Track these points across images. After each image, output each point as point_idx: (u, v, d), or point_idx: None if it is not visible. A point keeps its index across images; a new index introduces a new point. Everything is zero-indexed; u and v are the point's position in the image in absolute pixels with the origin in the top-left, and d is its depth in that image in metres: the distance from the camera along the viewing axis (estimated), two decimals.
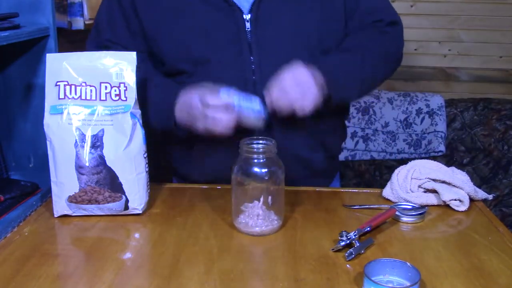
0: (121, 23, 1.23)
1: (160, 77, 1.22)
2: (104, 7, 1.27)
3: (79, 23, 1.74)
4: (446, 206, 1.17)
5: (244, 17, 1.17)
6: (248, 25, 1.17)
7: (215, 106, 1.08)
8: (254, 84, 1.18)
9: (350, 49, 1.20)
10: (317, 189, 1.27)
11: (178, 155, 1.32)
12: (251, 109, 1.10)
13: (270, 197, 1.03)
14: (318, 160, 1.29)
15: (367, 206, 1.17)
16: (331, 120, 1.28)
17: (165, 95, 1.17)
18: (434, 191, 1.18)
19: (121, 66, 1.08)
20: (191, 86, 1.14)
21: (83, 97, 1.07)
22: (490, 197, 1.21)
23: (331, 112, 1.23)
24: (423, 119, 2.56)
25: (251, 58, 1.18)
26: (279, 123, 1.18)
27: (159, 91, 1.19)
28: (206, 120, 1.09)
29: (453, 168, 1.22)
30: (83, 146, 1.06)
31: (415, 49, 2.76)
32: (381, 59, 1.23)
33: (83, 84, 1.07)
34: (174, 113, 1.15)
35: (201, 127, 1.11)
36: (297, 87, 1.10)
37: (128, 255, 0.98)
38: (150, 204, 1.16)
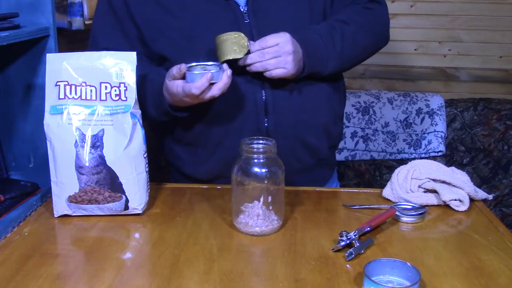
0: (117, 30, 1.24)
1: (154, 69, 1.24)
2: (98, 15, 1.28)
3: (79, 23, 1.74)
4: (446, 206, 1.17)
5: (242, 10, 1.19)
6: (246, 17, 1.19)
7: (200, 91, 1.08)
8: (260, 77, 1.20)
9: (332, 24, 1.23)
10: (317, 189, 1.27)
11: (183, 153, 1.32)
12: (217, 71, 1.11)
13: (270, 197, 1.03)
14: (323, 147, 1.32)
15: (367, 206, 1.17)
16: (331, 107, 1.31)
17: (156, 84, 1.19)
18: (434, 191, 1.18)
19: (121, 66, 1.08)
20: (166, 77, 1.15)
21: (83, 97, 1.07)
22: (490, 197, 1.21)
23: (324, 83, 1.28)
24: (423, 119, 2.55)
25: None
26: (286, 111, 1.22)
27: (152, 82, 1.20)
28: (202, 100, 1.11)
29: (453, 168, 1.22)
30: (83, 146, 1.06)
31: (415, 49, 2.76)
32: (363, 31, 1.26)
33: (83, 84, 1.07)
34: (165, 98, 1.17)
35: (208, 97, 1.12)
36: (275, 53, 1.13)
37: (128, 255, 0.98)
38: (150, 204, 1.16)
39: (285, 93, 1.22)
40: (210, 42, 1.18)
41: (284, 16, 1.21)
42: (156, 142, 1.38)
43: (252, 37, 1.18)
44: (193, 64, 1.11)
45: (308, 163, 1.31)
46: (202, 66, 1.11)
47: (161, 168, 2.13)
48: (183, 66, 1.09)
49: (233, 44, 1.11)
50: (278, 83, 1.21)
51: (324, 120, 1.29)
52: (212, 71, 1.08)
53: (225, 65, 1.11)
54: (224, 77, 1.09)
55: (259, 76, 1.20)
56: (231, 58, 1.12)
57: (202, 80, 1.07)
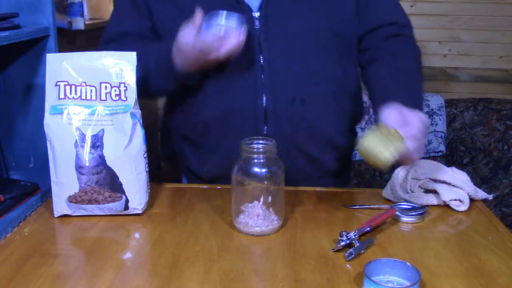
0: (132, 15, 1.24)
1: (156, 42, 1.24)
2: (118, 2, 1.31)
3: (79, 23, 1.74)
4: (446, 206, 1.17)
5: (253, 15, 1.18)
6: (257, 23, 1.17)
7: (214, 41, 1.06)
8: (262, 83, 1.19)
9: (408, 77, 1.22)
10: (317, 189, 1.27)
11: (189, 152, 1.31)
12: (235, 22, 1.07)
13: (270, 197, 1.03)
14: (327, 160, 1.29)
15: (367, 206, 1.17)
16: (338, 117, 1.27)
17: (162, 51, 1.18)
18: (434, 191, 1.18)
19: (121, 66, 1.08)
20: (176, 36, 1.13)
21: (83, 97, 1.07)
22: (490, 197, 1.21)
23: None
24: None
25: (260, 56, 1.18)
26: (286, 119, 1.20)
27: (159, 43, 1.21)
28: (218, 53, 1.09)
29: (453, 168, 1.21)
30: (83, 146, 1.06)
31: None
32: (420, 71, 1.28)
33: (83, 84, 1.07)
34: (174, 60, 1.14)
35: (213, 58, 1.10)
36: (420, 140, 1.03)
37: (128, 255, 0.98)
38: (150, 204, 1.16)
39: (287, 101, 1.19)
40: None
41: (298, 28, 1.18)
42: (165, 140, 1.36)
43: (259, 45, 1.17)
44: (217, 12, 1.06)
45: (310, 174, 1.28)
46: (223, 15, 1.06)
47: (161, 168, 2.13)
48: (199, 17, 1.06)
49: (389, 143, 0.99)
50: (280, 90, 1.19)
51: (328, 131, 1.24)
52: (231, 24, 1.05)
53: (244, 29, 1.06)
54: (233, 38, 1.05)
55: (261, 81, 1.19)
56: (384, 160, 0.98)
57: (216, 29, 1.04)
